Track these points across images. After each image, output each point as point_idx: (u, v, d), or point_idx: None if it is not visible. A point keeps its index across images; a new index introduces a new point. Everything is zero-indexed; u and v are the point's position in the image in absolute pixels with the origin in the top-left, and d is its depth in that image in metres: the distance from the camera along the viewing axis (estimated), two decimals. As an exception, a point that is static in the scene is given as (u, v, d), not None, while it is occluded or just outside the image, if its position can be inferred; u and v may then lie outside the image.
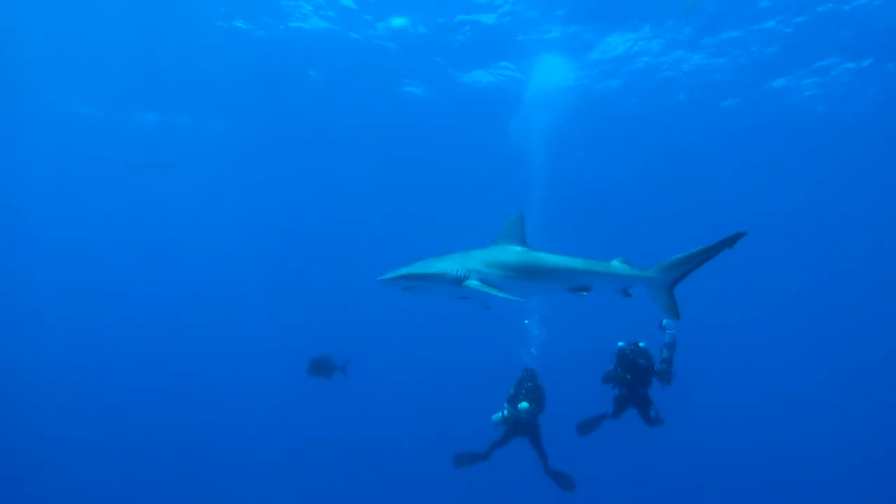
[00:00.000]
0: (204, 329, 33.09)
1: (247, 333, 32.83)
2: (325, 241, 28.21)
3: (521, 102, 17.94)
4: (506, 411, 10.68)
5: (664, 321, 9.55)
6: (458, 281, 5.68)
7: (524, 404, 10.61)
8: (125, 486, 18.81)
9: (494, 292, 5.62)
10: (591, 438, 10.36)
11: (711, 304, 28.75)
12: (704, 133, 19.45)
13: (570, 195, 22.29)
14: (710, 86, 17.28)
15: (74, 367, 28.42)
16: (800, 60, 16.16)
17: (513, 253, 6.12)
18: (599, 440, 10.57)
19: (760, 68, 16.47)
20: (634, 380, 9.62)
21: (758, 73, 16.67)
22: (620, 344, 9.82)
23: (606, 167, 21.69)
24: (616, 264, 6.40)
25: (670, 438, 12.23)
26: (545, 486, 10.91)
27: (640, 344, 9.73)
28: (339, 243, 27.89)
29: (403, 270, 5.75)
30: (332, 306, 31.03)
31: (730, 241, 5.92)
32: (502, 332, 16.18)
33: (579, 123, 18.82)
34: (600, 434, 10.25)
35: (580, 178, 21.97)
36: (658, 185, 22.87)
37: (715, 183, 22.39)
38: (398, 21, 15.54)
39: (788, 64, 16.31)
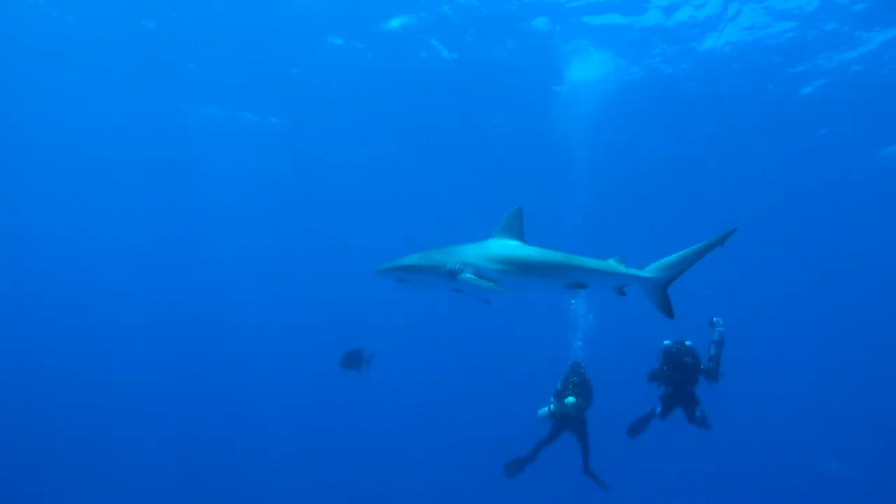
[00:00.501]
0: (236, 329, 33.09)
1: (281, 331, 32.93)
2: (371, 235, 28.33)
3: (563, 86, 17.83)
4: (552, 406, 10.71)
5: (714, 318, 9.47)
6: (452, 274, 5.72)
7: (571, 399, 10.63)
8: (144, 489, 18.93)
9: (488, 286, 5.65)
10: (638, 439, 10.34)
11: (769, 300, 28.23)
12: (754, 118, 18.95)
13: (613, 181, 22.00)
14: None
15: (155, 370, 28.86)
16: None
17: (509, 247, 6.14)
18: (644, 440, 10.52)
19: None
20: (681, 378, 9.55)
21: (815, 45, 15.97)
22: (666, 342, 9.72)
23: (649, 152, 21.33)
24: (612, 263, 6.42)
25: (715, 439, 12.10)
26: (580, 483, 10.94)
27: (687, 342, 9.64)
28: (387, 238, 27.96)
29: (398, 262, 5.83)
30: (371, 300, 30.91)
31: (721, 240, 6.07)
32: (547, 325, 16.14)
33: (622, 108, 18.56)
34: (647, 434, 10.23)
35: (623, 164, 21.68)
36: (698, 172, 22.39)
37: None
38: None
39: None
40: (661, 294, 6.46)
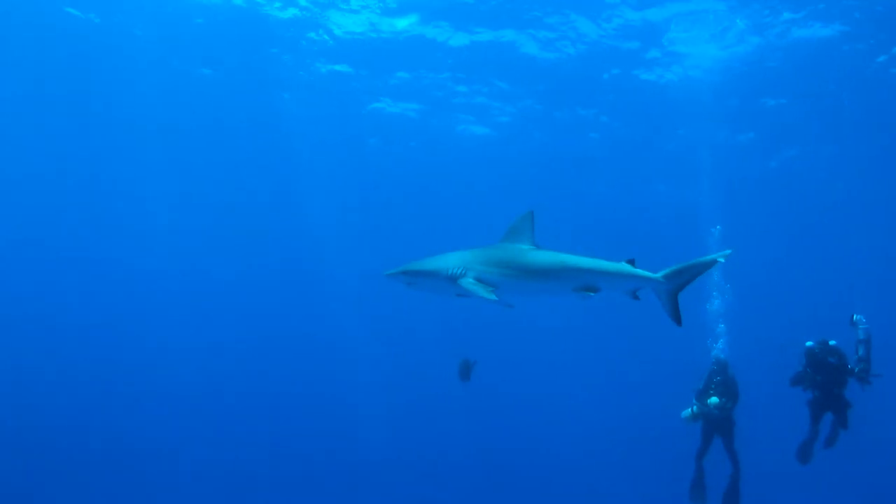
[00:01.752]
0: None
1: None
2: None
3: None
4: (695, 407, 10.52)
5: (855, 316, 8.83)
6: (453, 279, 5.77)
7: (714, 399, 10.40)
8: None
9: (484, 293, 5.63)
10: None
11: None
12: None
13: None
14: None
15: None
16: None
17: (517, 251, 6.09)
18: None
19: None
20: (827, 380, 9.04)
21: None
22: (809, 343, 9.25)
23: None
24: (626, 266, 6.24)
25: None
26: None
27: (831, 342, 9.12)
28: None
29: (405, 266, 5.97)
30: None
31: (720, 257, 6.18)
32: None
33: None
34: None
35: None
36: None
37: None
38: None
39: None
40: (673, 300, 6.32)
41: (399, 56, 17.55)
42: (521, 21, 15.82)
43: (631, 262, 6.26)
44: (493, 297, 5.64)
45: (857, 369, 8.93)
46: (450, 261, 5.93)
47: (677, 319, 6.35)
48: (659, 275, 6.27)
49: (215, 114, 21.41)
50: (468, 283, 5.73)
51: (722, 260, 6.16)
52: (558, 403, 27.14)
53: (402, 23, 16.09)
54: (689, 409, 10.57)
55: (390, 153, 23.45)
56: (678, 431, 10.84)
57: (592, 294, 6.05)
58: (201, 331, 30.42)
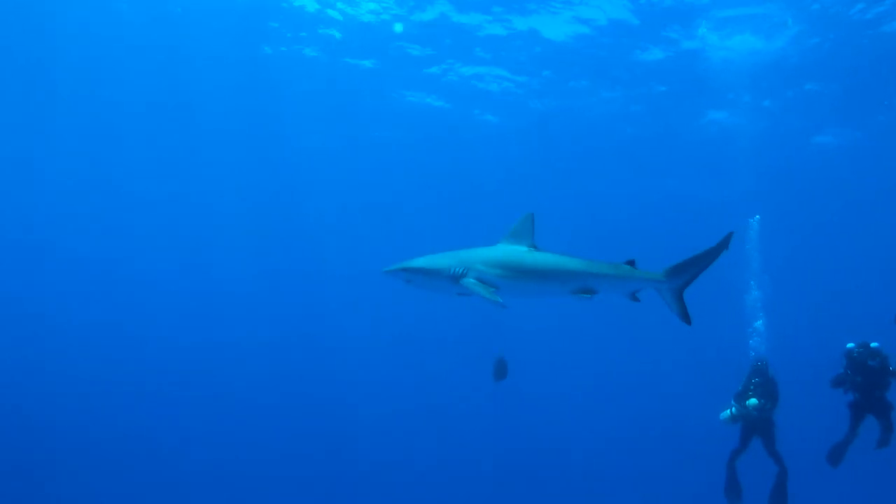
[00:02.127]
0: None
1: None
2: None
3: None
4: (734, 409, 10.38)
5: (898, 315, 8.60)
6: (454, 278, 5.79)
7: (752, 401, 10.25)
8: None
9: (485, 293, 5.63)
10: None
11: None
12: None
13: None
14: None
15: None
16: None
17: (515, 252, 6.09)
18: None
19: None
20: (867, 383, 8.84)
21: None
22: (849, 345, 9.07)
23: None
24: (624, 266, 6.13)
25: None
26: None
27: (872, 344, 8.91)
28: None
29: (405, 263, 5.97)
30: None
31: (725, 243, 5.92)
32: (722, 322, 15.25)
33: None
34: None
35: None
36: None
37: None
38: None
39: None
40: (679, 298, 6.15)
41: (420, 48, 17.53)
42: (551, 8, 15.57)
43: (631, 262, 6.16)
44: (496, 297, 5.66)
45: None
46: (450, 260, 5.96)
47: (686, 319, 6.19)
48: (660, 273, 6.13)
49: (224, 110, 21.49)
50: (470, 283, 5.77)
51: (727, 249, 5.93)
52: (588, 403, 26.98)
53: (418, 16, 16.06)
54: (728, 411, 10.45)
55: (405, 149, 23.51)
56: (715, 432, 10.72)
57: (589, 297, 6.01)
58: (208, 331, 30.58)
